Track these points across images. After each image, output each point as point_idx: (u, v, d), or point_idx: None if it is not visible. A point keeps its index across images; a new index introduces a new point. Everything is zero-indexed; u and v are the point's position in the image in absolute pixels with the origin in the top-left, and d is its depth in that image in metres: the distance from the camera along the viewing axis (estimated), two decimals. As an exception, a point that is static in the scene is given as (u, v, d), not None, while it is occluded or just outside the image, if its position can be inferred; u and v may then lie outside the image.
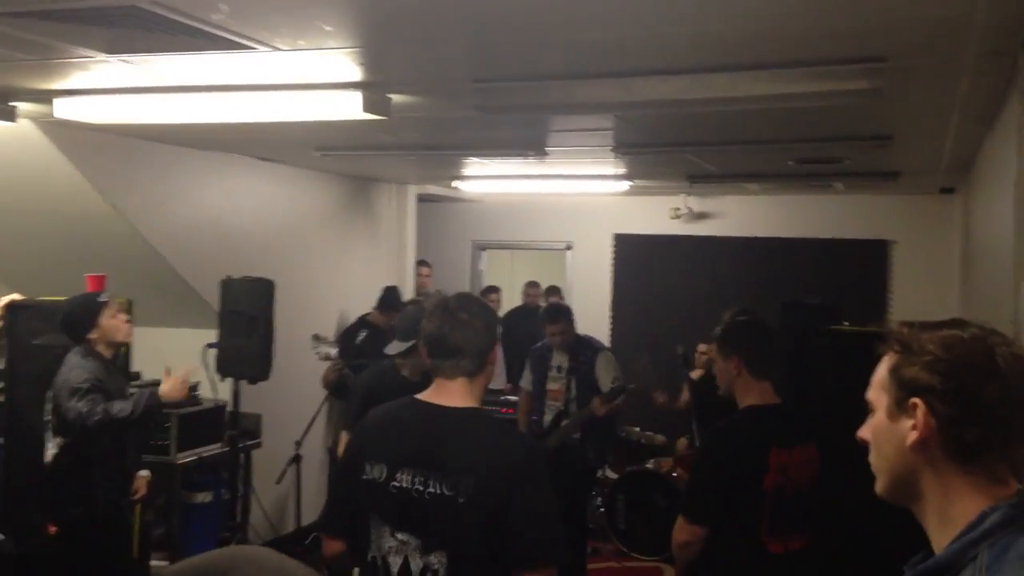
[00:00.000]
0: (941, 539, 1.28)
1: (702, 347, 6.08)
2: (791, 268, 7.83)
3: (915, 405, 1.29)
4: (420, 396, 2.43)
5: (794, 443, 3.07)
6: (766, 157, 5.50)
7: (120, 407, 3.94)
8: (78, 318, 4.15)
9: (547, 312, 5.96)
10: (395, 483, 2.30)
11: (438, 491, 2.25)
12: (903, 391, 1.31)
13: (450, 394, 2.38)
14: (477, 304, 2.46)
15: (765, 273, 7.87)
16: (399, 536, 2.29)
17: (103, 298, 4.21)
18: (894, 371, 1.34)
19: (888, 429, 1.34)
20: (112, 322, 4.17)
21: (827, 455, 3.10)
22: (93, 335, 4.12)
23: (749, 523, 3.00)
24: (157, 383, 5.42)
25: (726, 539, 3.00)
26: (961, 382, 1.27)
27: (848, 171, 5.96)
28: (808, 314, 4.64)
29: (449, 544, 2.24)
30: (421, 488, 2.27)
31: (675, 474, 6.47)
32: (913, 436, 1.29)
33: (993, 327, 1.33)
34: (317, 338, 6.29)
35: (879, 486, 1.38)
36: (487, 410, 2.45)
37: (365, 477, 2.34)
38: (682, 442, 6.66)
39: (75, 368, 4.01)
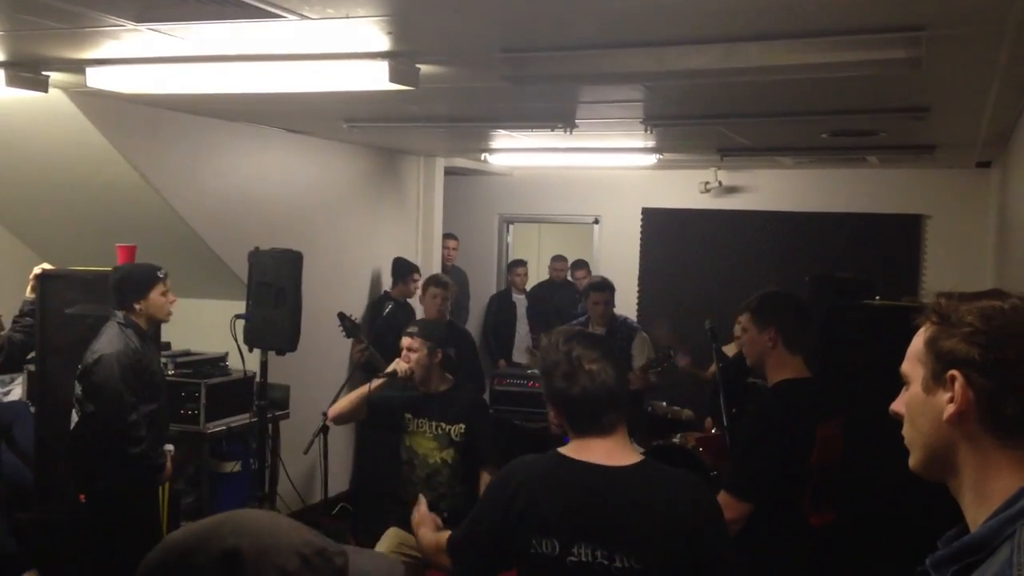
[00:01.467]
0: (977, 515, 1.25)
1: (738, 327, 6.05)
2: (823, 242, 7.73)
3: (953, 378, 1.26)
4: (573, 455, 2.21)
5: (829, 416, 3.04)
6: (799, 129, 5.41)
7: (136, 443, 4.04)
8: (132, 285, 4.18)
9: (596, 282, 6.12)
10: (572, 558, 2.12)
11: (626, 565, 2.09)
12: (940, 363, 1.28)
13: (609, 450, 2.18)
14: (598, 345, 2.23)
15: (796, 248, 7.79)
16: None
17: (161, 273, 4.24)
18: (931, 343, 1.30)
19: (924, 402, 1.31)
20: (161, 299, 4.21)
21: (857, 429, 3.06)
22: (139, 305, 4.16)
23: (795, 498, 2.95)
24: (186, 353, 5.53)
25: (769, 514, 2.93)
26: (1001, 354, 1.23)
27: (883, 144, 5.86)
28: (839, 288, 4.59)
29: None
30: (606, 563, 2.10)
31: (701, 449, 6.43)
32: (950, 409, 1.26)
33: None
34: (343, 316, 6.34)
35: (913, 460, 1.35)
36: (652, 461, 2.26)
37: (533, 551, 2.16)
38: (709, 422, 6.62)
39: (115, 338, 4.05)
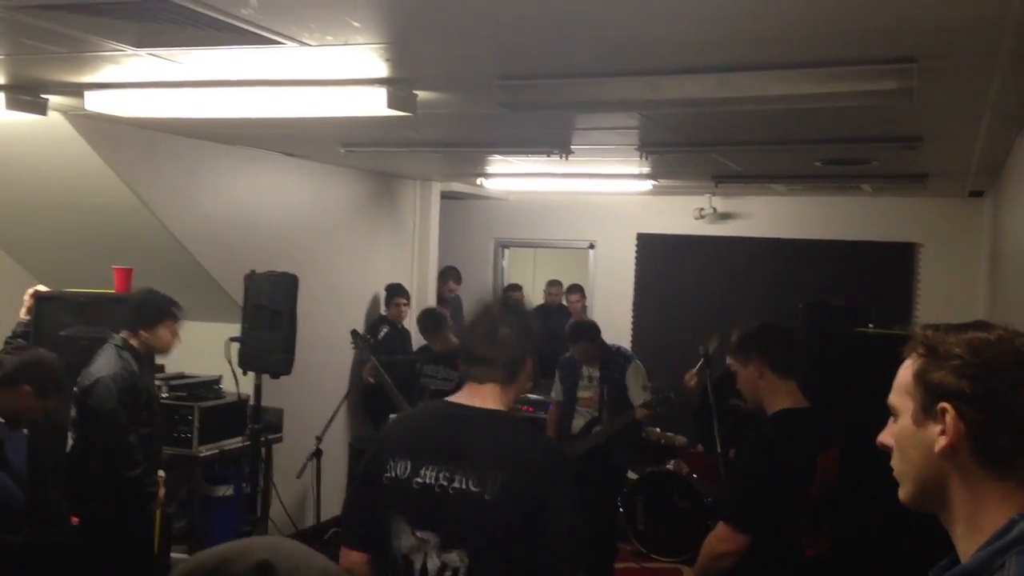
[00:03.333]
0: (968, 547, 1.25)
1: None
2: (816, 270, 7.77)
3: (944, 410, 1.26)
4: (450, 398, 2.43)
5: (827, 447, 3.04)
6: (793, 158, 5.46)
7: (134, 464, 4.04)
8: (149, 311, 4.21)
9: (568, 330, 5.98)
10: (418, 479, 2.27)
11: (463, 487, 2.22)
12: (930, 396, 1.28)
13: (480, 397, 2.36)
14: (518, 314, 2.45)
15: (790, 274, 7.82)
16: (419, 534, 2.25)
17: (178, 312, 4.29)
18: (920, 375, 1.31)
19: (914, 435, 1.31)
20: (167, 334, 4.25)
21: (852, 457, 3.06)
22: (144, 333, 4.17)
23: (792, 529, 2.93)
24: (180, 376, 5.52)
25: (765, 544, 2.89)
26: (991, 386, 1.24)
27: (876, 173, 5.91)
28: (832, 315, 4.62)
29: (471, 542, 2.20)
30: (445, 484, 2.24)
31: (695, 475, 6.43)
32: (942, 442, 1.26)
33: (1017, 329, 1.31)
34: (356, 334, 6.44)
35: (903, 493, 1.35)
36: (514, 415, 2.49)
37: (387, 475, 2.31)
38: (701, 449, 6.60)
39: (112, 361, 4.05)
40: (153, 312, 4.21)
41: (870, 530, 3.46)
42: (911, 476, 1.33)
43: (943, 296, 7.49)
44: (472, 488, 2.21)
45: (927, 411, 1.29)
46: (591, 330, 5.80)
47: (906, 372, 1.34)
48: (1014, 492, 1.24)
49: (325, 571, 1.02)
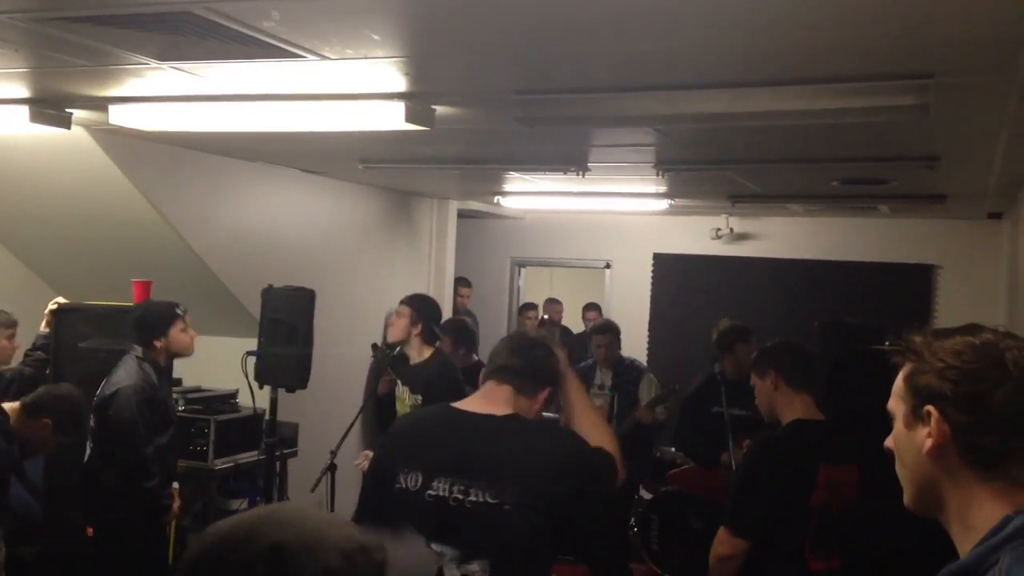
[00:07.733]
0: (964, 546, 1.28)
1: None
2: (833, 291, 7.74)
3: (929, 412, 1.30)
4: (457, 405, 2.41)
5: (840, 461, 3.04)
6: (810, 177, 5.46)
7: (149, 477, 4.05)
8: (153, 322, 4.23)
9: (598, 325, 6.15)
10: (431, 492, 2.25)
11: (480, 499, 2.21)
12: (917, 399, 1.33)
13: (492, 402, 2.36)
14: (547, 347, 2.53)
15: (806, 295, 7.80)
16: (434, 547, 2.24)
17: (180, 310, 4.29)
18: (909, 379, 1.35)
19: (906, 437, 1.35)
20: (181, 335, 4.27)
21: (869, 474, 3.06)
22: (159, 343, 4.20)
23: (793, 539, 2.96)
24: (196, 390, 5.55)
25: (767, 554, 2.96)
26: (973, 388, 1.28)
27: (894, 193, 5.90)
28: (848, 334, 4.60)
29: (492, 552, 2.20)
30: (461, 497, 2.22)
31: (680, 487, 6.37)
32: (928, 444, 1.30)
33: (1010, 331, 1.34)
34: (376, 347, 6.45)
35: (906, 497, 1.39)
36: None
37: (398, 486, 2.30)
38: (726, 456, 6.53)
39: (132, 372, 4.08)
40: (158, 319, 4.24)
41: (886, 545, 3.44)
42: (908, 479, 1.37)
43: (961, 319, 7.34)
44: (489, 500, 2.20)
45: (916, 414, 1.33)
46: (616, 327, 6.01)
47: (899, 377, 1.39)
48: (1004, 491, 1.26)
49: (339, 547, 1.00)
